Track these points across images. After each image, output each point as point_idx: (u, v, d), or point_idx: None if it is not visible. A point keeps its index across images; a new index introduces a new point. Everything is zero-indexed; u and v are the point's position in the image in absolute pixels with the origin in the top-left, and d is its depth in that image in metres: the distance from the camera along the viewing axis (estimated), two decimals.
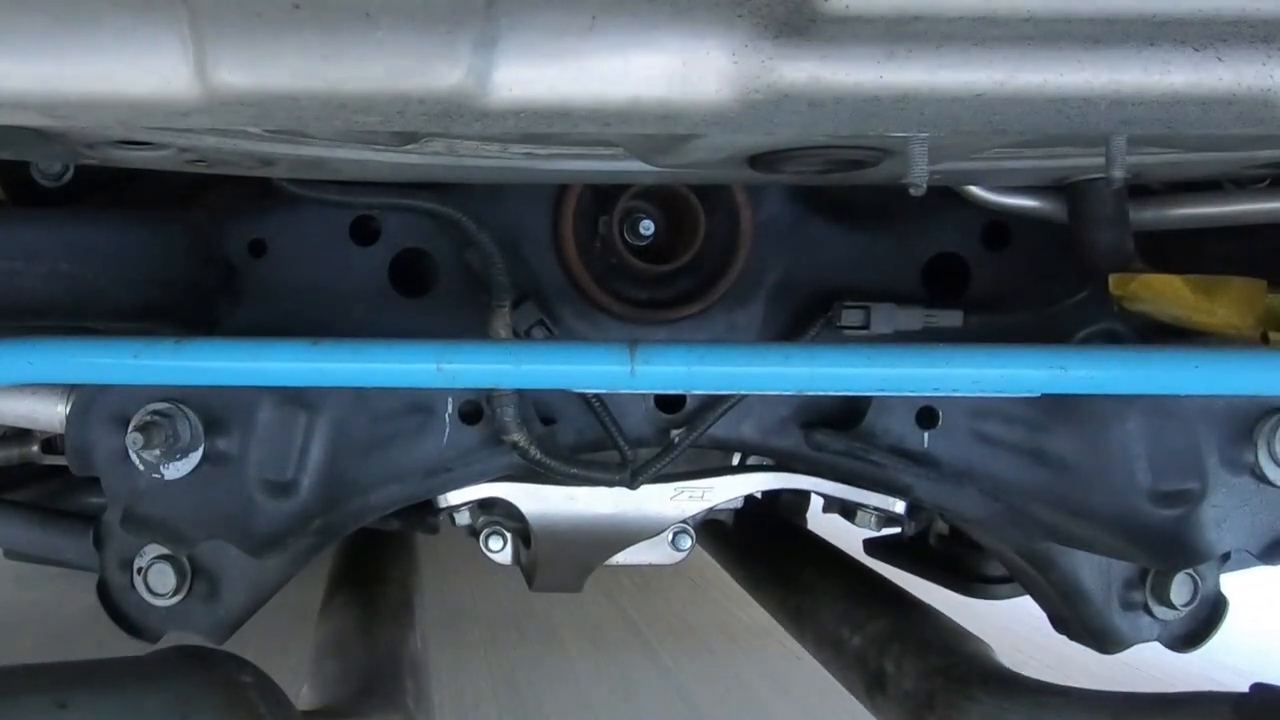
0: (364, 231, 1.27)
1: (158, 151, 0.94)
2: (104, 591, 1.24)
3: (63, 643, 2.62)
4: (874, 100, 0.70)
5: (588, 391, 1.25)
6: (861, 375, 0.98)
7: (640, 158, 0.92)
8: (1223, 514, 1.23)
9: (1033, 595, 1.43)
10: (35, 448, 1.67)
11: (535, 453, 1.22)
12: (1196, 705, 1.17)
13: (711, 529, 2.15)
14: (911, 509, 1.45)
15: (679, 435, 1.28)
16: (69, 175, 1.26)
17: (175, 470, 1.15)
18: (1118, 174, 0.82)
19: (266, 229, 1.25)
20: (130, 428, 1.13)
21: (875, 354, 0.98)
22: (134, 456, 1.14)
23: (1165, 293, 1.11)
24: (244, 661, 1.07)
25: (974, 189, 1.17)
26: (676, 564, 1.49)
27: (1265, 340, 1.06)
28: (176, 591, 1.22)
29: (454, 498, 1.35)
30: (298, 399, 1.19)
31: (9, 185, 1.25)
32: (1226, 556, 1.29)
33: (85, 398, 1.17)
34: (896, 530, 1.58)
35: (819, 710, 2.45)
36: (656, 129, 0.72)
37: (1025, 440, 1.27)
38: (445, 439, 1.25)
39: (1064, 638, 1.40)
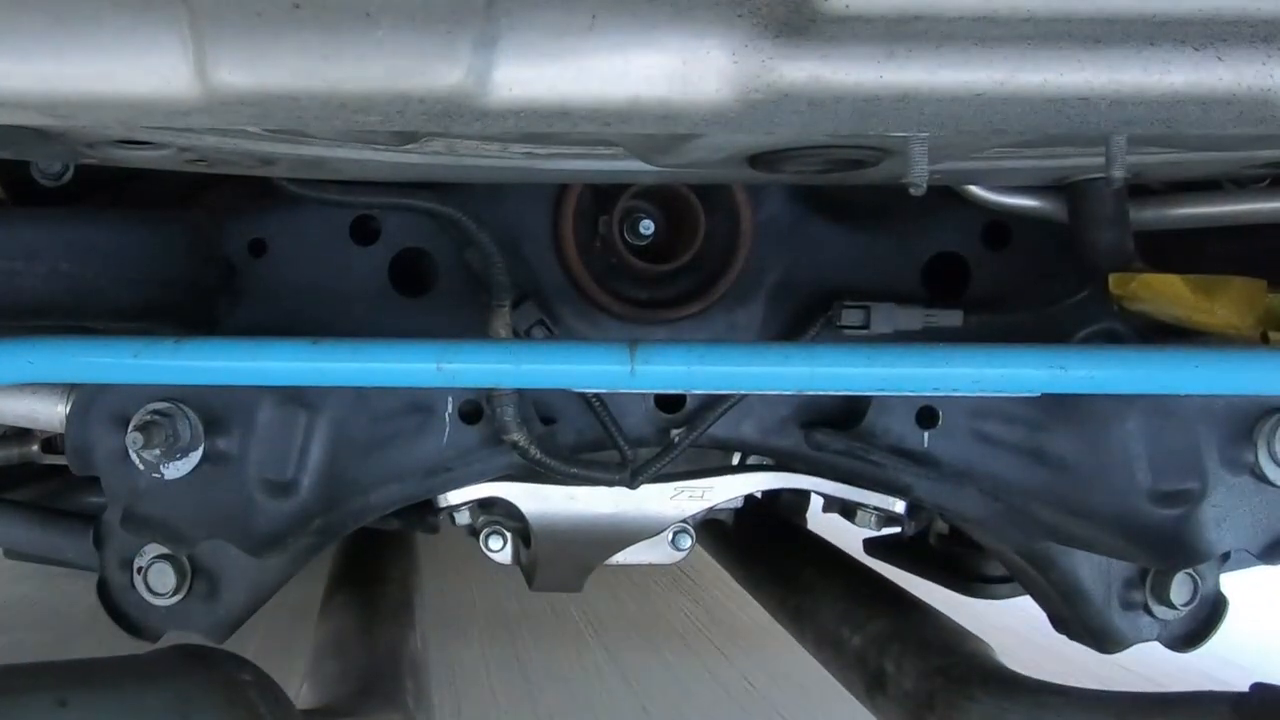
0: (364, 231, 1.27)
1: (158, 151, 0.94)
2: (104, 591, 1.24)
3: (63, 642, 2.62)
4: (874, 100, 0.70)
5: (588, 391, 1.25)
6: (861, 375, 0.98)
7: (640, 157, 0.92)
8: (1222, 514, 1.23)
9: (1032, 595, 1.43)
10: (35, 447, 1.67)
11: (535, 452, 1.22)
12: (1196, 705, 1.17)
13: (711, 528, 2.15)
14: (911, 509, 1.45)
15: (679, 435, 1.28)
16: (69, 175, 1.26)
17: (175, 470, 1.15)
18: (1118, 174, 0.82)
19: (266, 229, 1.25)
20: (130, 427, 1.13)
21: (875, 354, 0.98)
22: (134, 456, 1.14)
23: (1165, 292, 1.11)
24: (244, 661, 1.07)
25: (974, 189, 1.17)
26: (676, 563, 1.49)
27: (1265, 340, 1.06)
28: (176, 591, 1.22)
29: (454, 497, 1.35)
30: (298, 398, 1.19)
31: (9, 185, 1.25)
32: (1226, 556, 1.29)
33: (85, 397, 1.17)
34: (896, 530, 1.58)
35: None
36: (656, 129, 0.72)
37: (1025, 440, 1.27)
38: (445, 439, 1.25)
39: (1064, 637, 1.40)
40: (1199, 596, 1.32)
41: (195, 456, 1.16)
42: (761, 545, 2.10)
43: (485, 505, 1.43)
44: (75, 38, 0.66)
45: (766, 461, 1.43)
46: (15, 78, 0.67)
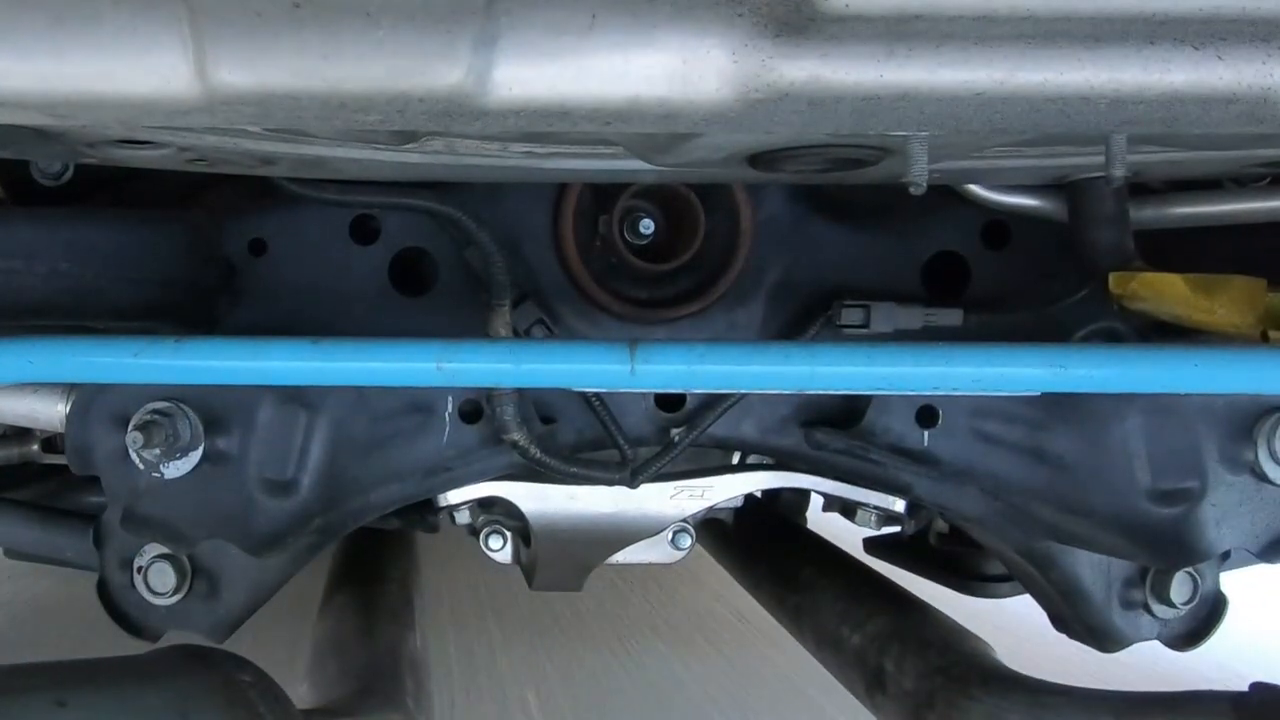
0: (364, 231, 1.27)
1: (158, 151, 0.94)
2: (104, 591, 1.24)
3: (63, 641, 2.62)
4: (874, 99, 0.70)
5: (588, 390, 1.26)
6: (861, 374, 0.98)
7: (640, 157, 0.92)
8: (1222, 512, 1.23)
9: (1032, 594, 1.43)
10: (35, 447, 1.67)
11: (535, 452, 1.22)
12: (1196, 704, 1.17)
13: (711, 528, 2.15)
14: (911, 508, 1.45)
15: (679, 434, 1.28)
16: (69, 175, 1.26)
17: (175, 469, 1.15)
18: (1118, 173, 0.82)
19: (266, 228, 1.25)
20: (130, 427, 1.13)
21: (875, 353, 0.98)
22: (134, 456, 1.14)
23: (1165, 291, 1.11)
24: (244, 660, 1.07)
25: (974, 188, 1.17)
26: (676, 563, 1.49)
27: (1265, 339, 1.06)
28: (176, 591, 1.22)
29: (454, 497, 1.35)
30: (298, 398, 1.19)
31: (9, 185, 1.25)
32: (1226, 555, 1.29)
33: (85, 397, 1.17)
34: (896, 529, 1.58)
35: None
36: (656, 128, 0.72)
37: (1025, 439, 1.27)
38: (445, 438, 1.25)
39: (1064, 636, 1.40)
40: (1199, 595, 1.32)
41: (195, 456, 1.16)
42: (761, 544, 2.10)
43: (485, 504, 1.43)
44: (75, 37, 0.66)
45: (766, 461, 1.43)
46: (15, 77, 0.67)
